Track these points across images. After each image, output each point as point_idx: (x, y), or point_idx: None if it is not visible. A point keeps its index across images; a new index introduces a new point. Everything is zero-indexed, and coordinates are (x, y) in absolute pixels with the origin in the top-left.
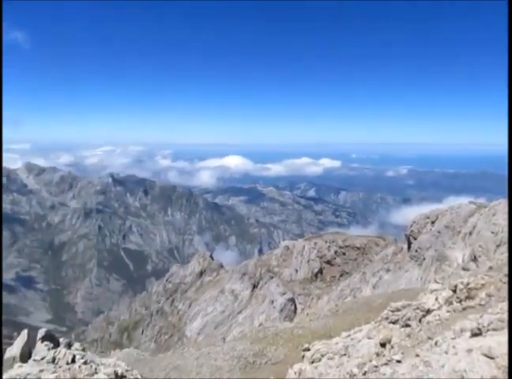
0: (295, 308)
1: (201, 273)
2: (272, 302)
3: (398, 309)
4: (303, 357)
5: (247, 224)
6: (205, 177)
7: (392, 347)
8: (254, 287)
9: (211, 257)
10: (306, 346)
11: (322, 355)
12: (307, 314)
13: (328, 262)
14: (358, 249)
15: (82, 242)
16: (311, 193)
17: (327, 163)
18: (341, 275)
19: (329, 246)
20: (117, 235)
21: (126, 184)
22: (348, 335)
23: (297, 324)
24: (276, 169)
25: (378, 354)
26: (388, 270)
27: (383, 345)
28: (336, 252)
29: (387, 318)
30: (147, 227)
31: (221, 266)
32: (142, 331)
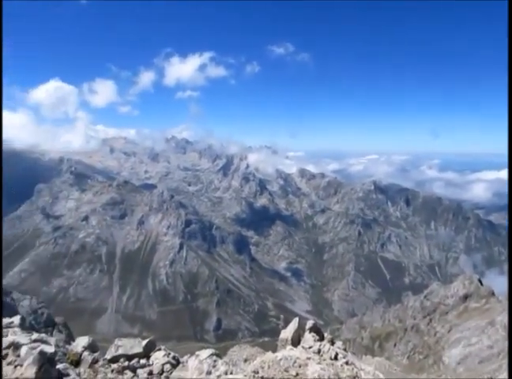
0: None
1: (466, 297)
2: None
3: None
4: None
5: None
6: (477, 190)
7: None
8: None
9: (479, 281)
10: None
11: None
12: None
13: None
14: None
15: (342, 244)
16: None
17: None
18: None
19: None
20: (375, 243)
21: (388, 192)
22: None
23: None
24: None
25: None
26: None
27: None
28: None
29: None
30: (407, 239)
31: (492, 293)
32: (395, 344)
